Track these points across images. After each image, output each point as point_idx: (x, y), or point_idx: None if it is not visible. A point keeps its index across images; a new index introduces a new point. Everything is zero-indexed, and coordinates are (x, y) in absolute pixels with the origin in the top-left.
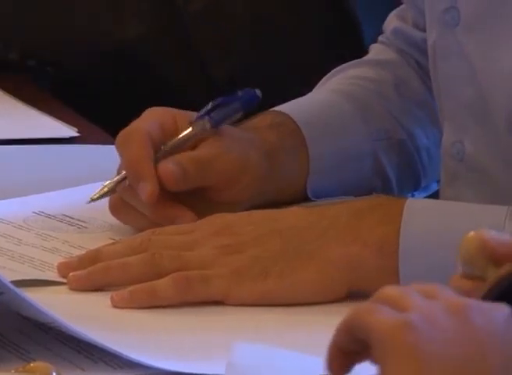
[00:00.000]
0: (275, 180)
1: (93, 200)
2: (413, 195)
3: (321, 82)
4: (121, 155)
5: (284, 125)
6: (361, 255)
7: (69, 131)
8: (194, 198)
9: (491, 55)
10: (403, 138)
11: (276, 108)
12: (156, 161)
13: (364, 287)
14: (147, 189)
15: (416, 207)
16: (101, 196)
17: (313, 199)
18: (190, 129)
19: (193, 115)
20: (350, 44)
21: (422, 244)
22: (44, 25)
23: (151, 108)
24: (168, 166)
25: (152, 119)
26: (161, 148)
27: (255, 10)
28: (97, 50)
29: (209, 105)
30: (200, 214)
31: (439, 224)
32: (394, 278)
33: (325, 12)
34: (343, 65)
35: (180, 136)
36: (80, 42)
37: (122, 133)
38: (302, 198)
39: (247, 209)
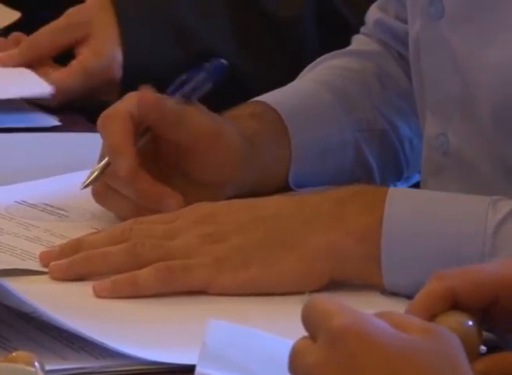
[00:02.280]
0: (257, 169)
1: (86, 186)
2: (395, 186)
3: (303, 72)
4: (102, 135)
5: (265, 114)
6: (343, 244)
7: (51, 120)
8: (176, 180)
9: (476, 48)
10: (386, 129)
11: (257, 99)
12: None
13: (346, 275)
14: (124, 164)
15: (398, 196)
16: (92, 181)
17: (294, 189)
18: None
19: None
20: None
21: (405, 233)
22: None
23: (132, 92)
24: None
25: (133, 100)
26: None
27: None
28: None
29: (177, 82)
30: (184, 196)
31: (421, 213)
32: (376, 267)
33: None
34: (326, 55)
35: None
36: None
37: (103, 115)
38: (284, 188)
39: (229, 198)
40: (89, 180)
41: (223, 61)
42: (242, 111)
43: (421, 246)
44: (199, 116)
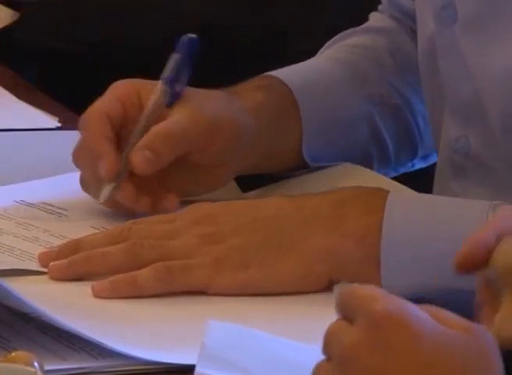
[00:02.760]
0: (264, 141)
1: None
2: (412, 165)
3: (320, 51)
4: (81, 136)
5: (272, 87)
6: (342, 246)
7: (51, 122)
8: (175, 165)
9: (486, 54)
10: (399, 103)
11: (266, 74)
12: (133, 142)
13: (344, 277)
14: (104, 166)
15: (399, 198)
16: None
17: (309, 163)
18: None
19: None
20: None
21: (404, 236)
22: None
23: (115, 83)
24: (139, 156)
25: (112, 96)
26: (135, 129)
27: None
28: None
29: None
30: (187, 179)
31: (422, 217)
32: (375, 269)
33: None
34: (342, 33)
35: (145, 110)
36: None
37: (82, 116)
38: (297, 165)
39: (237, 174)
40: (104, 194)
41: (190, 35)
42: (248, 85)
43: (421, 249)
44: (195, 120)
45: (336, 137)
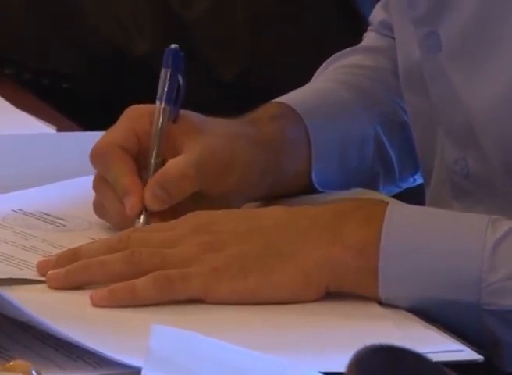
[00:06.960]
0: (276, 172)
1: None
2: (414, 180)
3: (317, 72)
4: (101, 172)
5: (286, 116)
6: (341, 256)
7: (48, 129)
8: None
9: (473, 82)
10: (405, 120)
11: (277, 100)
12: (149, 168)
13: (343, 287)
14: (130, 204)
15: (398, 211)
16: None
17: (319, 189)
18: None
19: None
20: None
21: (403, 249)
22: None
23: (130, 108)
24: (151, 194)
25: (125, 127)
26: (151, 161)
27: (254, 10)
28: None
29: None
30: (202, 206)
31: (420, 229)
32: (373, 280)
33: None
34: (337, 53)
35: (152, 135)
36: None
37: (97, 149)
38: (307, 190)
39: (248, 202)
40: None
41: (172, 46)
42: (262, 114)
43: (419, 261)
44: (208, 162)
45: (347, 163)
